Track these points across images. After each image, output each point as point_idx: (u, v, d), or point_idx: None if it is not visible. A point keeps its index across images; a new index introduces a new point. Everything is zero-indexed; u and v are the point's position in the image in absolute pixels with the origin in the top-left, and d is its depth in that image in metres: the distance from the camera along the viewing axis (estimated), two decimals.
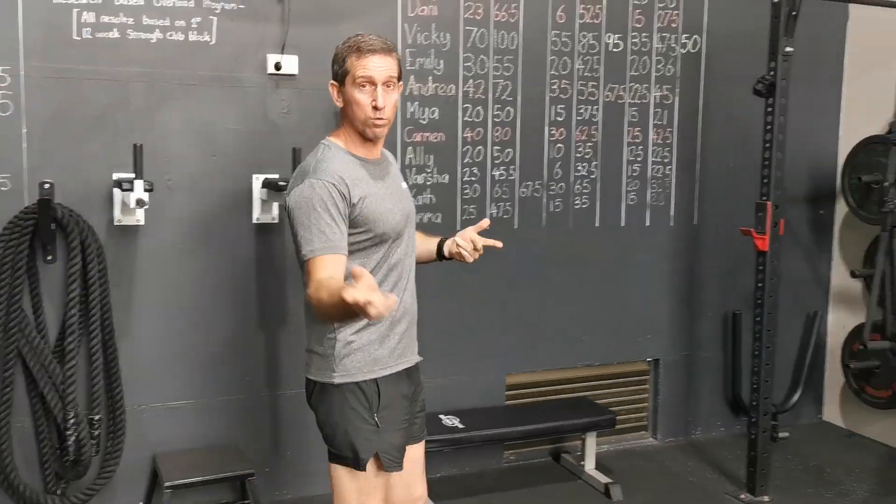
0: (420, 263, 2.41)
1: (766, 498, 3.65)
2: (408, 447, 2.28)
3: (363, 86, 2.12)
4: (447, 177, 3.73)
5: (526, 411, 3.83)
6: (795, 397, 4.58)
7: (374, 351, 2.18)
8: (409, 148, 3.65)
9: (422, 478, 2.42)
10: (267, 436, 3.52)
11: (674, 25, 4.11)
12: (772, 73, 3.47)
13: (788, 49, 3.43)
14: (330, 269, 2.03)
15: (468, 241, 2.29)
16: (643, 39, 4.05)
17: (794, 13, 3.38)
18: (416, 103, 3.63)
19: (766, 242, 3.51)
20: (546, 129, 3.90)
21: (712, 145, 4.24)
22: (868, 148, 4.15)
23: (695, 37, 4.16)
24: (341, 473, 2.18)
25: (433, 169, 3.70)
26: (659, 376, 4.32)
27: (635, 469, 3.98)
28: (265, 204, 3.37)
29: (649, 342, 4.27)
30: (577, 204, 4.01)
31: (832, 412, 4.72)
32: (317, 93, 3.42)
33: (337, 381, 2.13)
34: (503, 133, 3.82)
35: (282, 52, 3.31)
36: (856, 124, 4.43)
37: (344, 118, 2.21)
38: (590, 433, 3.80)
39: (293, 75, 3.38)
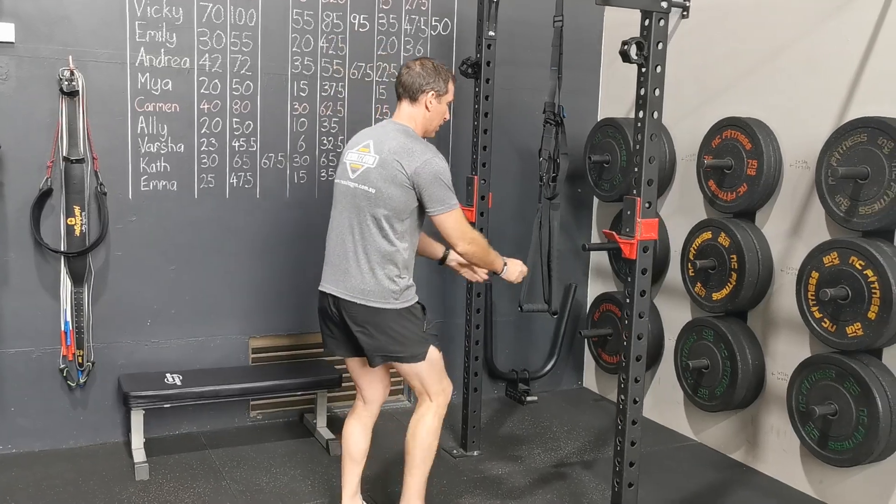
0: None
1: (475, 453, 3.93)
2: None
3: (448, 106, 2.98)
4: (182, 146, 3.88)
5: (253, 371, 4.05)
6: (550, 365, 4.88)
7: (414, 289, 2.93)
8: (141, 117, 3.78)
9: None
10: None
11: (423, 8, 4.31)
12: (478, 55, 3.70)
13: (491, 33, 3.67)
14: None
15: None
16: (391, 21, 4.25)
17: (494, 1, 3.61)
18: (148, 74, 3.77)
19: (474, 214, 3.75)
20: (289, 103, 4.08)
21: (464, 124, 4.46)
22: (601, 130, 4.44)
23: (445, 19, 4.37)
24: (419, 368, 2.91)
25: (167, 138, 3.84)
26: None
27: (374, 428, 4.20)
28: None
29: None
30: (324, 176, 4.20)
31: (589, 379, 5.04)
32: (36, 60, 3.54)
33: (399, 306, 2.85)
34: (242, 106, 3.98)
35: None
36: (611, 107, 4.71)
37: (419, 117, 2.92)
38: (321, 393, 4.02)
39: (10, 43, 3.49)
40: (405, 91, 2.91)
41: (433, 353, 2.97)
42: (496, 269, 3.07)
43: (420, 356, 2.91)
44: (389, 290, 2.81)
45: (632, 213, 2.74)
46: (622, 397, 2.86)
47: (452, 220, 2.80)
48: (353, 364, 3.04)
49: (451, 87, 2.96)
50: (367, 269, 2.81)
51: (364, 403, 3.11)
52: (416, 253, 3.00)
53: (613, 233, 2.81)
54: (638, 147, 2.72)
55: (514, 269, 3.12)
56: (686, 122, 4.17)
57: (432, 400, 2.99)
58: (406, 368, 2.94)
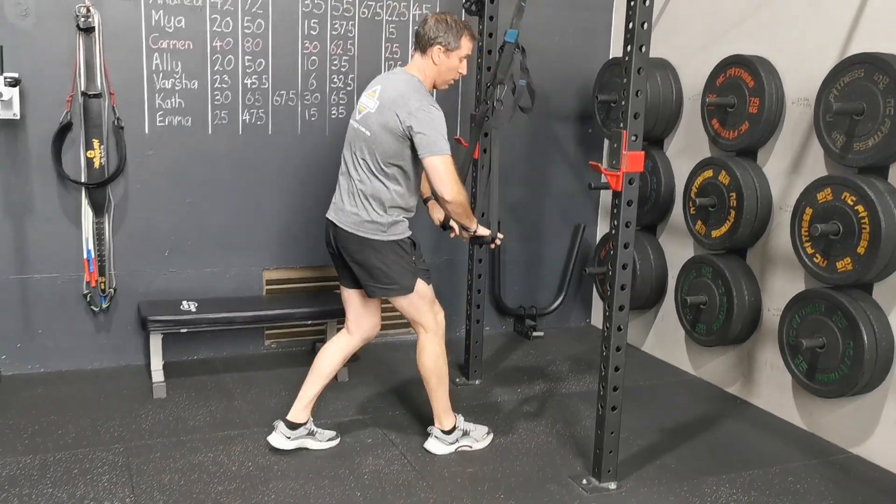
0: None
1: (477, 382, 4.08)
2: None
3: (462, 61, 3.05)
4: (196, 83, 4.00)
5: (265, 301, 4.22)
6: (557, 302, 4.99)
7: (405, 225, 3.08)
8: (156, 54, 3.91)
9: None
10: (17, 315, 3.87)
11: None
12: None
13: None
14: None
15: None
16: None
17: None
18: (161, 12, 3.88)
19: (477, 151, 3.83)
20: (300, 42, 4.17)
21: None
22: (609, 69, 4.45)
23: None
24: (409, 300, 3.11)
25: (181, 75, 3.97)
26: None
27: (379, 359, 4.37)
28: (5, 102, 3.62)
29: None
30: (334, 114, 4.30)
31: (597, 317, 5.14)
32: None
33: (386, 238, 3.03)
34: (254, 44, 4.08)
35: None
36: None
37: (428, 69, 3.04)
38: (330, 323, 4.18)
39: None
40: (418, 43, 3.07)
41: (420, 285, 3.13)
42: (471, 226, 3.14)
43: (408, 288, 3.10)
44: (377, 223, 3.02)
45: (618, 145, 2.80)
46: (607, 324, 2.97)
47: (443, 164, 2.89)
48: (347, 295, 3.25)
49: (464, 42, 3.03)
50: (359, 202, 3.02)
51: (349, 335, 3.30)
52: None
53: (599, 164, 2.87)
54: (625, 80, 2.77)
55: (485, 232, 3.20)
56: (693, 62, 4.17)
57: (427, 330, 3.20)
58: (397, 301, 3.14)
